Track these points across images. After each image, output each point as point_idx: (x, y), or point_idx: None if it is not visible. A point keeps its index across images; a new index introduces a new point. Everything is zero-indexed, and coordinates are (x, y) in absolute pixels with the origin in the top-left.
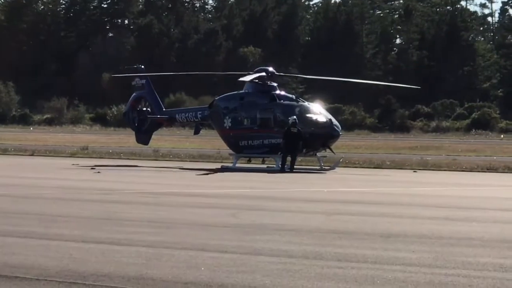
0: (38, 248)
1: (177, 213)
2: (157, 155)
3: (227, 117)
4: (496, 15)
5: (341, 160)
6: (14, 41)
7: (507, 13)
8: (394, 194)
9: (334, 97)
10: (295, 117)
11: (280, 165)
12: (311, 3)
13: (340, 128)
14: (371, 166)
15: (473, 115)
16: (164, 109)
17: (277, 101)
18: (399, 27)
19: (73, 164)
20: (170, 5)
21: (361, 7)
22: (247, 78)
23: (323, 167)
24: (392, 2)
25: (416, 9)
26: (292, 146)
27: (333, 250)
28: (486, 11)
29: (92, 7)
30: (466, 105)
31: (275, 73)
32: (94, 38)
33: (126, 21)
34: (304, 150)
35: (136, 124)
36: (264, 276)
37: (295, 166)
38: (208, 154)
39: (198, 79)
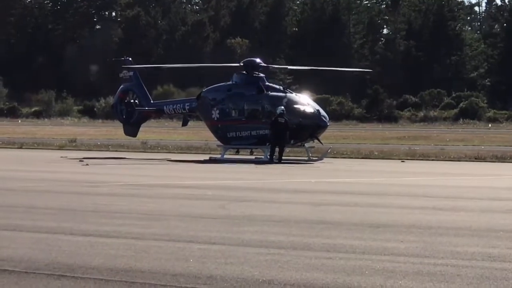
0: (27, 241)
1: (166, 205)
2: (145, 147)
3: (215, 109)
4: (483, 4)
5: (329, 151)
6: (2, 34)
7: (494, 3)
8: (382, 184)
9: (321, 87)
10: (283, 107)
11: (268, 156)
12: None
13: (328, 118)
14: (359, 156)
15: (461, 104)
16: (152, 101)
17: (265, 92)
18: (386, 17)
19: (61, 157)
20: None
21: None
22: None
23: (311, 158)
24: None
25: None
26: (280, 136)
27: (321, 241)
28: (473, 1)
29: (79, 0)
30: (453, 95)
31: (262, 64)
32: (81, 30)
33: (114, 13)
34: (292, 141)
35: (124, 116)
36: (252, 267)
37: (283, 157)
38: (196, 146)
39: (186, 70)
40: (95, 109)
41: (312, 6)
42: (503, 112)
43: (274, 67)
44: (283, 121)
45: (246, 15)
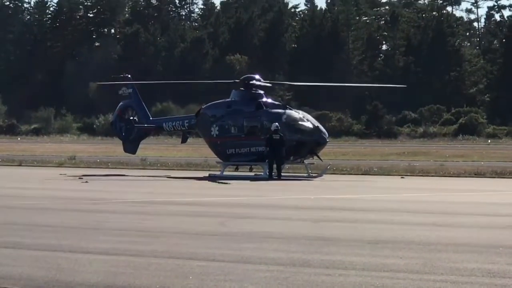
0: (26, 259)
1: (165, 222)
2: (144, 164)
3: (214, 125)
4: (482, 20)
5: (328, 167)
6: (0, 51)
7: (492, 18)
8: (382, 200)
9: (321, 104)
10: (277, 124)
11: (267, 173)
12: (297, 10)
13: (327, 135)
14: (358, 172)
15: (460, 120)
16: (151, 118)
17: (264, 108)
18: (385, 33)
19: (60, 174)
20: (156, 14)
21: (347, 14)
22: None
23: (311, 174)
24: (378, 8)
25: (402, 15)
26: (276, 152)
27: (321, 258)
28: (472, 17)
29: (78, 17)
30: (453, 111)
31: (262, 80)
32: (80, 47)
33: (113, 30)
34: (291, 157)
35: (123, 133)
36: (252, 284)
37: (282, 173)
38: (196, 163)
39: (185, 87)
40: (94, 126)
41: (311, 22)
42: (503, 127)
43: (274, 83)
44: (278, 138)
45: (245, 32)
